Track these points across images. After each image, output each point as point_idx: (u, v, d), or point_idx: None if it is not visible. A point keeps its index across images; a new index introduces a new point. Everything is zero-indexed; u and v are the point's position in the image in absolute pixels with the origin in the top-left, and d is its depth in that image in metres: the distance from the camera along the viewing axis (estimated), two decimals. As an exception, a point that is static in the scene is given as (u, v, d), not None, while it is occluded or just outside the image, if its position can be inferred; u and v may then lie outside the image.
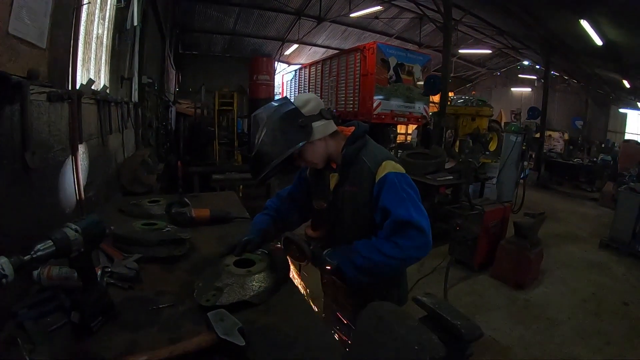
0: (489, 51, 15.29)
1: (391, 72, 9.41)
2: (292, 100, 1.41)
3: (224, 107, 6.79)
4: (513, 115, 8.61)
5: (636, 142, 10.59)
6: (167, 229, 1.65)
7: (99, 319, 1.06)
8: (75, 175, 2.31)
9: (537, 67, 15.45)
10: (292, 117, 1.34)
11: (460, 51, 15.50)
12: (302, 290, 1.45)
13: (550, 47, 11.00)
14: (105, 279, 1.28)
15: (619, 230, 5.28)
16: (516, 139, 4.86)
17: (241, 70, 12.00)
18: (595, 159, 10.01)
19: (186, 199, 2.01)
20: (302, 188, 1.69)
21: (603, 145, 12.62)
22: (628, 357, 3.02)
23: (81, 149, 2.51)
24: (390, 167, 1.37)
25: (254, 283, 1.27)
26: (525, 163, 5.49)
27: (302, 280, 1.80)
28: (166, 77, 9.11)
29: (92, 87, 3.07)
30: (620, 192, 5.48)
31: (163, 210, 2.02)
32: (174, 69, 10.85)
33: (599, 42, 8.27)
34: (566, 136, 13.58)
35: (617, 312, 3.70)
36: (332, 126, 1.45)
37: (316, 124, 1.38)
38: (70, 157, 2.28)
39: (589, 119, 15.86)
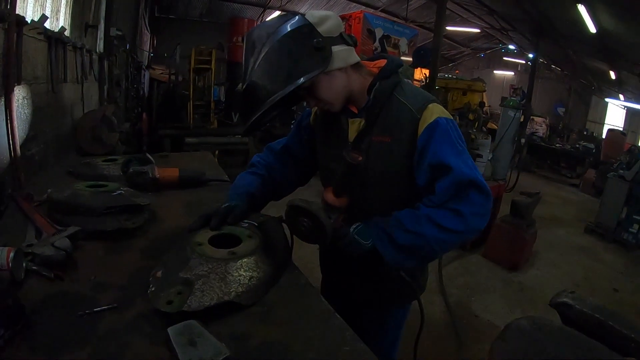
0: (477, 30, 15.05)
1: (377, 43, 9.06)
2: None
3: (201, 66, 6.18)
4: (512, 90, 8.39)
5: (621, 132, 10.71)
6: (119, 191, 1.22)
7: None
8: (8, 124, 1.83)
9: (523, 51, 15.38)
10: (304, 35, 0.94)
11: (448, 28, 15.17)
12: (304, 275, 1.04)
13: (540, 31, 10.83)
14: (24, 265, 0.87)
15: (605, 216, 5.29)
16: (514, 115, 4.60)
17: (219, 38, 11.25)
18: (577, 145, 10.08)
19: (149, 156, 1.55)
20: (303, 140, 1.30)
21: (585, 133, 12.78)
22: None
23: (19, 92, 2.03)
24: (439, 111, 1.03)
25: (240, 272, 0.87)
26: (523, 140, 5.30)
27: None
28: (139, 38, 8.48)
29: (47, 27, 2.54)
30: (609, 179, 5.47)
31: (120, 171, 1.57)
32: (148, 31, 10.13)
33: (592, 29, 8.13)
34: (548, 121, 13.68)
35: (609, 299, 3.67)
36: (354, 55, 1.06)
37: (336, 49, 0.99)
38: (2, 99, 1.81)
39: (570, 107, 16.05)
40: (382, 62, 1.11)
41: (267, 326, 0.79)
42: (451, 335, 2.77)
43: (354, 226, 1.03)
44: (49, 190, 1.25)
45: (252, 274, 0.89)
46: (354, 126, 1.10)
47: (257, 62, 0.96)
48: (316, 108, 1.22)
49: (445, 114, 1.04)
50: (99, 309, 0.78)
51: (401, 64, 1.12)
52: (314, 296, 0.92)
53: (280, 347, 0.73)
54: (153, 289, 0.82)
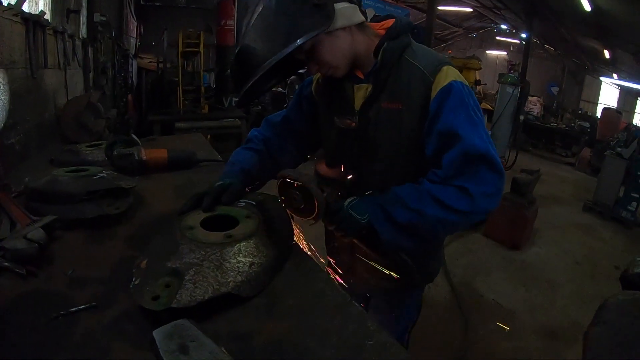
0: (470, 9, 14.83)
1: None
2: None
3: (189, 49, 5.96)
4: (510, 66, 8.24)
5: (616, 110, 10.67)
6: (102, 175, 1.10)
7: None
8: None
9: (516, 31, 15.21)
10: None
11: (440, 7, 14.92)
12: (314, 259, 0.93)
13: (533, 10, 10.66)
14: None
15: (603, 194, 5.28)
16: (513, 92, 4.50)
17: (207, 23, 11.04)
18: (573, 124, 10.05)
19: (135, 137, 1.42)
20: (304, 111, 1.18)
21: (580, 112, 12.76)
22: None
23: (-6, 75, 1.87)
24: (454, 74, 0.92)
25: (239, 258, 0.76)
26: (522, 117, 5.20)
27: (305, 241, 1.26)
28: (126, 27, 8.22)
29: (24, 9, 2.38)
30: (606, 157, 5.45)
31: (104, 156, 1.44)
32: (134, 20, 9.82)
33: (587, 7, 7.99)
34: (542, 101, 13.64)
35: (610, 276, 3.63)
36: (359, 14, 0.95)
37: (339, 6, 0.88)
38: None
39: (564, 86, 15.98)
40: (390, 23, 1.00)
41: (273, 321, 0.68)
42: (457, 317, 2.73)
43: (348, 200, 0.92)
44: (27, 179, 1.13)
45: (253, 260, 0.77)
46: (360, 92, 0.99)
47: (251, 23, 0.85)
48: (318, 76, 1.12)
49: (461, 78, 0.94)
50: (75, 309, 0.67)
51: (411, 24, 1.01)
52: (325, 282, 0.80)
53: (291, 345, 0.63)
54: (136, 282, 0.71)
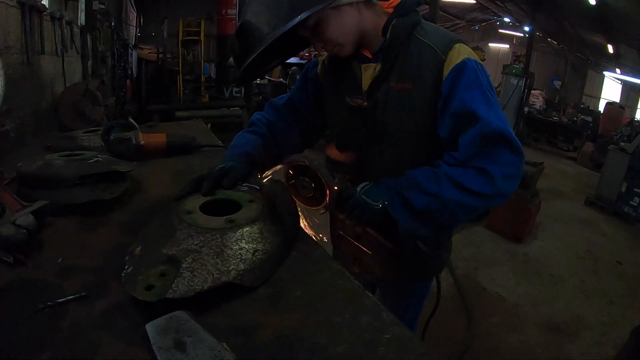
0: (473, 1, 14.68)
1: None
2: None
3: (190, 37, 5.88)
4: (514, 57, 8.06)
5: (619, 105, 10.60)
6: (97, 159, 1.04)
7: None
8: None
9: (519, 24, 15.07)
10: None
11: (443, -1, 14.77)
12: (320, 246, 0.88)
13: (537, 2, 10.54)
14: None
15: (605, 189, 5.24)
16: (517, 83, 4.43)
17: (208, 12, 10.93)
18: (575, 119, 10.00)
19: (133, 121, 1.36)
20: (309, 94, 1.13)
21: (582, 106, 12.68)
22: (630, 317, 2.93)
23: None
24: (467, 52, 0.88)
25: (242, 244, 0.70)
26: (526, 109, 5.13)
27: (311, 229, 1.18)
28: (125, 16, 8.13)
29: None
30: (609, 151, 5.41)
31: (101, 142, 1.39)
32: (134, 10, 9.70)
33: (592, 1, 7.89)
34: (544, 94, 13.57)
35: (613, 271, 3.65)
36: None
37: None
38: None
39: (567, 80, 15.89)
40: (397, 1, 0.95)
41: (280, 313, 0.63)
42: (460, 310, 2.70)
43: (361, 185, 0.88)
44: (19, 164, 1.08)
45: (257, 246, 0.72)
46: (368, 72, 0.94)
47: None
48: (323, 57, 1.06)
49: (474, 56, 0.88)
50: (63, 299, 0.62)
51: (421, 1, 0.95)
52: (335, 270, 0.75)
53: (299, 340, 0.57)
54: (129, 270, 0.65)
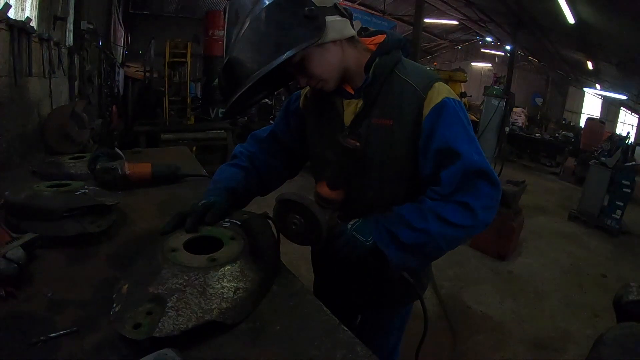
0: (455, 22, 15.13)
1: (355, 35, 8.95)
2: None
3: (176, 59, 5.95)
4: (495, 79, 8.33)
5: (600, 120, 10.91)
6: (83, 190, 1.07)
7: None
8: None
9: (500, 43, 15.54)
10: (294, 3, 0.82)
11: (426, 20, 15.19)
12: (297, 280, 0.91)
13: (518, 22, 10.92)
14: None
15: (588, 203, 5.35)
16: (498, 104, 4.59)
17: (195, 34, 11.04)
18: (557, 135, 10.23)
19: (118, 150, 1.40)
20: (292, 127, 1.17)
21: (563, 122, 13.01)
22: (614, 330, 2.96)
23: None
24: (446, 91, 0.93)
25: (223, 283, 0.73)
26: (507, 129, 5.29)
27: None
28: (113, 34, 8.16)
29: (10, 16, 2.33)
30: (591, 166, 5.52)
31: (87, 169, 1.41)
32: (122, 28, 9.78)
33: (571, 20, 8.21)
34: (526, 112, 13.91)
35: (598, 285, 3.70)
36: (350, 28, 0.94)
37: (330, 19, 0.87)
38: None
39: (548, 97, 16.35)
40: (381, 38, 1.00)
41: (260, 348, 0.66)
42: (445, 329, 2.72)
43: (351, 222, 0.92)
44: (7, 192, 1.09)
45: (238, 285, 0.74)
46: (350, 108, 0.98)
47: (241, 33, 0.83)
48: (306, 91, 1.11)
49: (453, 94, 0.94)
50: (56, 334, 0.64)
51: (402, 40, 1.01)
52: (312, 305, 0.79)
53: None
54: (117, 308, 0.67)
